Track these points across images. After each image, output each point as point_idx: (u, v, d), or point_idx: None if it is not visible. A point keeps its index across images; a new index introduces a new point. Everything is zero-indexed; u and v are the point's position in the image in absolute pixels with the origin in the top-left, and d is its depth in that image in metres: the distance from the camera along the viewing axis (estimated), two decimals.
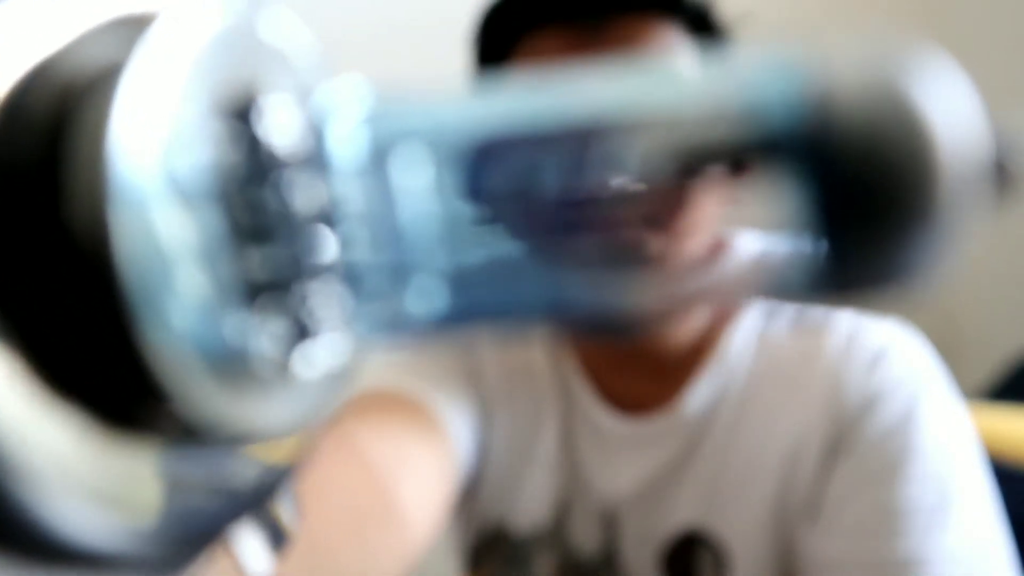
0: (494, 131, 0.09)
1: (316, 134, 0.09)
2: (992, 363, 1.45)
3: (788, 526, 0.59)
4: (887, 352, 0.60)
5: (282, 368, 0.09)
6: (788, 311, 0.66)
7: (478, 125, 0.09)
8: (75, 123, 0.09)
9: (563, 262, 0.10)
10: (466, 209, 0.09)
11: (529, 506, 0.67)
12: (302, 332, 0.09)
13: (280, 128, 0.09)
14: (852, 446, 0.58)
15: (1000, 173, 0.07)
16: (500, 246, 0.09)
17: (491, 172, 0.09)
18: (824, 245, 0.07)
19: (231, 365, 0.08)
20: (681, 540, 0.62)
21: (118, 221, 0.08)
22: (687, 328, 0.64)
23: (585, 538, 0.65)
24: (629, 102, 0.08)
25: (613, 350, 0.66)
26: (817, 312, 0.65)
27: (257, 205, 0.08)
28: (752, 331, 0.65)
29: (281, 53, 0.10)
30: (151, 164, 0.08)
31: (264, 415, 0.09)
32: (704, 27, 0.60)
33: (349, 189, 0.09)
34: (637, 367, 0.65)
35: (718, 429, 0.63)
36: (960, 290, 1.73)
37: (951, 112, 0.07)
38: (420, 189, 0.09)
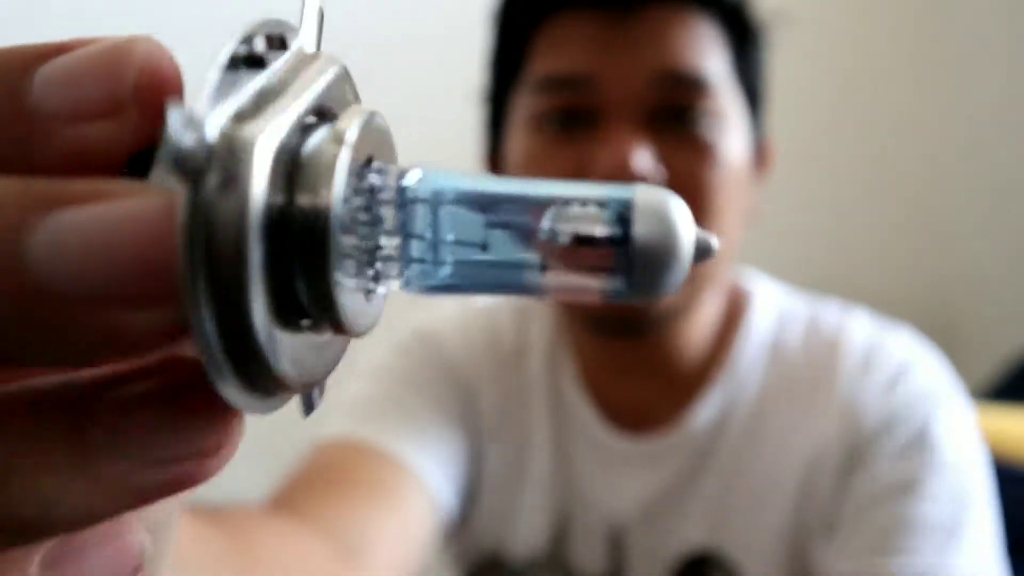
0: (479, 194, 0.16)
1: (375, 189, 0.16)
2: (992, 363, 1.45)
3: (804, 545, 0.58)
4: (906, 370, 0.59)
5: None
6: (800, 318, 0.64)
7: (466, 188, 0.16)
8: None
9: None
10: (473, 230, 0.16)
11: (525, 530, 0.64)
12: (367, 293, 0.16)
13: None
14: (869, 462, 0.56)
15: (700, 249, 0.16)
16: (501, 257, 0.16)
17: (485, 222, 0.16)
18: (631, 279, 0.16)
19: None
20: (692, 560, 0.60)
21: None
22: (696, 335, 0.62)
23: (590, 559, 0.63)
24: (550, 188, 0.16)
25: (618, 358, 0.64)
26: (831, 320, 0.63)
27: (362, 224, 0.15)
28: (764, 341, 0.63)
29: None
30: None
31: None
32: (739, 25, 0.58)
33: (397, 214, 0.16)
34: (642, 377, 0.63)
35: (727, 446, 0.61)
36: (960, 290, 1.73)
37: (684, 221, 0.16)
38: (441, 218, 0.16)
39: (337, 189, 0.14)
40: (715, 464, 0.60)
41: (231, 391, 0.13)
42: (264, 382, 0.14)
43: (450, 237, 0.16)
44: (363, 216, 0.15)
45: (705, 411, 0.61)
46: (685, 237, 0.15)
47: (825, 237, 1.64)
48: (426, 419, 0.61)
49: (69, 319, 0.12)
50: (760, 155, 0.62)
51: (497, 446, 0.65)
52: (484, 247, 0.15)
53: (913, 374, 0.59)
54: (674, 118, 0.55)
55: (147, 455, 0.13)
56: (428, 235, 0.16)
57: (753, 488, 0.60)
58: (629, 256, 0.15)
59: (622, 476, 0.62)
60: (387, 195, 0.15)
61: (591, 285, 0.16)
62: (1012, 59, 1.63)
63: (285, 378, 0.14)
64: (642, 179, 0.53)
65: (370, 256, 0.15)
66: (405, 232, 0.15)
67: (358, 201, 0.15)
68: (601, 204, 0.15)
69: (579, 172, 0.54)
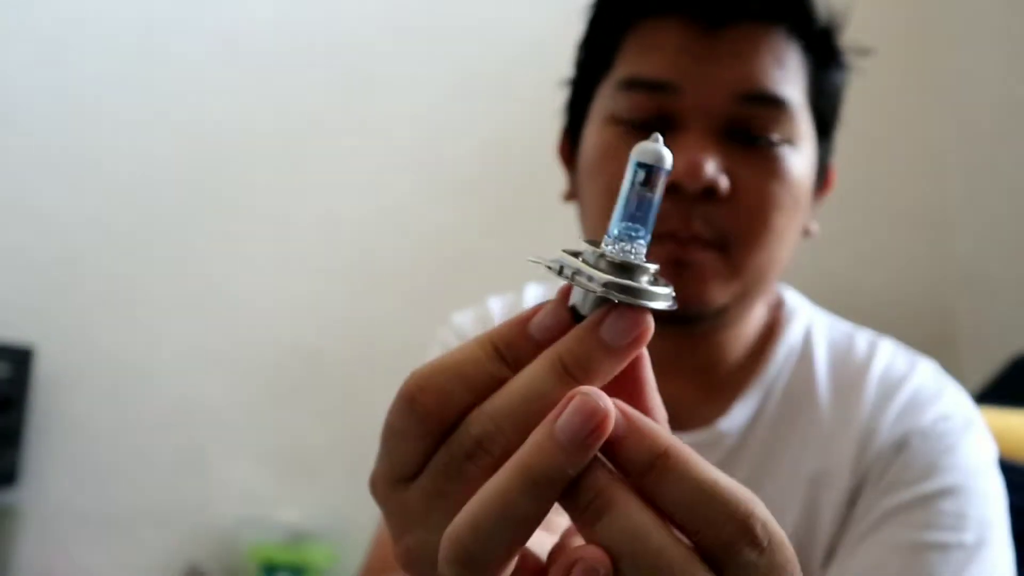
0: None
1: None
2: (992, 363, 1.47)
3: (806, 564, 0.58)
4: (927, 396, 0.60)
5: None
6: (831, 340, 0.64)
7: None
8: None
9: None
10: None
11: None
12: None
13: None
14: (878, 483, 0.57)
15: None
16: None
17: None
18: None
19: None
20: None
21: None
22: (740, 340, 0.63)
23: None
24: None
25: (662, 354, 0.62)
26: (861, 347, 0.63)
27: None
28: (795, 355, 0.64)
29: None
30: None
31: None
32: (823, 52, 0.60)
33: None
34: (681, 376, 0.63)
35: (751, 453, 0.61)
36: (960, 290, 1.75)
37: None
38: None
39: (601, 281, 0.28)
40: (737, 471, 0.60)
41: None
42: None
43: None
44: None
45: (736, 417, 0.62)
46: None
47: (825, 237, 1.65)
48: None
49: None
50: (822, 179, 0.64)
51: None
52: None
53: (934, 401, 0.60)
54: (747, 134, 0.57)
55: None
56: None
57: (766, 499, 0.60)
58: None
59: None
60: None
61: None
62: (1011, 57, 1.64)
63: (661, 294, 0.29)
64: (709, 184, 0.55)
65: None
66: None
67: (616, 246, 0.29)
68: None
69: None
